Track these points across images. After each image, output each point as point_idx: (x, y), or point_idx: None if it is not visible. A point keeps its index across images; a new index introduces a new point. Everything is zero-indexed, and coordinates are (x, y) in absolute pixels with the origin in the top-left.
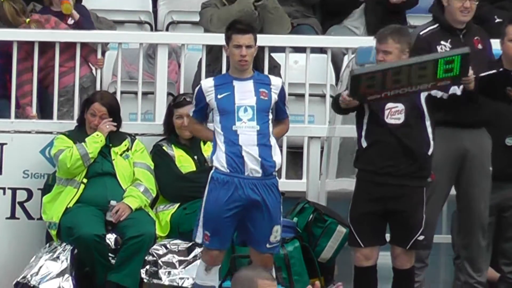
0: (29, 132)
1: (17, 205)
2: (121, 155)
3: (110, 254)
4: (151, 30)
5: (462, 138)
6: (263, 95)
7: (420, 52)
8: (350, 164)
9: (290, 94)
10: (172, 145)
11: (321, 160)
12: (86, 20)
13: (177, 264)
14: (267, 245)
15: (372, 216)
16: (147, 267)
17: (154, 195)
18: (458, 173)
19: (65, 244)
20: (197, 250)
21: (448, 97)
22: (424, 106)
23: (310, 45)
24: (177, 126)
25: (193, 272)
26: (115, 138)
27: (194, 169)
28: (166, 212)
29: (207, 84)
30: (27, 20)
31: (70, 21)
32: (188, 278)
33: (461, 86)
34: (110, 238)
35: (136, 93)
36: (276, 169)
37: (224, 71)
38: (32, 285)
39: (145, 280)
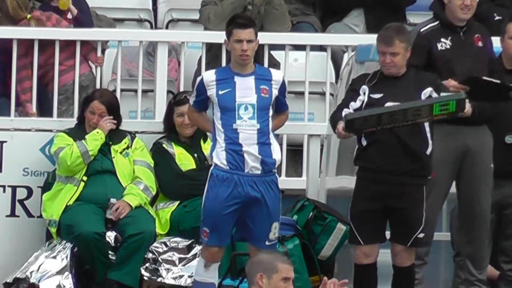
0: (29, 130)
1: (17, 203)
2: (121, 153)
3: (110, 252)
4: (151, 28)
5: (464, 135)
6: (264, 93)
7: (421, 49)
8: (349, 161)
9: (289, 92)
10: (172, 143)
11: (321, 158)
12: (85, 15)
13: (177, 262)
14: (266, 242)
15: (372, 213)
16: (147, 264)
17: (154, 193)
18: (459, 170)
19: (65, 242)
20: (197, 248)
21: None
22: None
23: (310, 43)
24: (178, 124)
25: (193, 270)
26: (115, 136)
27: (194, 167)
28: (166, 210)
29: (209, 77)
30: (28, 16)
31: (69, 16)
32: (188, 276)
33: None
34: (110, 236)
35: (136, 91)
36: (276, 166)
37: None
38: (32, 283)
39: (145, 278)
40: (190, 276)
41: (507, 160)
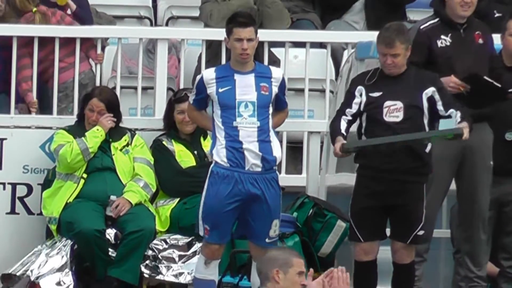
0: (29, 127)
1: (17, 200)
2: (121, 150)
3: (110, 249)
4: (151, 25)
5: None
6: (264, 90)
7: (421, 46)
8: (349, 159)
9: (289, 89)
10: (172, 140)
11: (320, 155)
12: (84, 11)
13: (177, 259)
14: (267, 240)
15: (372, 211)
16: (147, 262)
17: (154, 190)
18: (459, 167)
19: (65, 239)
20: (197, 245)
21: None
22: (424, 104)
23: (309, 40)
24: (178, 121)
25: (193, 267)
26: (115, 133)
27: (194, 164)
28: (166, 207)
29: (209, 75)
30: (34, 9)
31: (68, 12)
32: (188, 273)
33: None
34: (110, 233)
35: (136, 88)
36: (277, 163)
37: None
38: (32, 280)
39: (145, 275)
40: (190, 273)
41: (507, 158)
